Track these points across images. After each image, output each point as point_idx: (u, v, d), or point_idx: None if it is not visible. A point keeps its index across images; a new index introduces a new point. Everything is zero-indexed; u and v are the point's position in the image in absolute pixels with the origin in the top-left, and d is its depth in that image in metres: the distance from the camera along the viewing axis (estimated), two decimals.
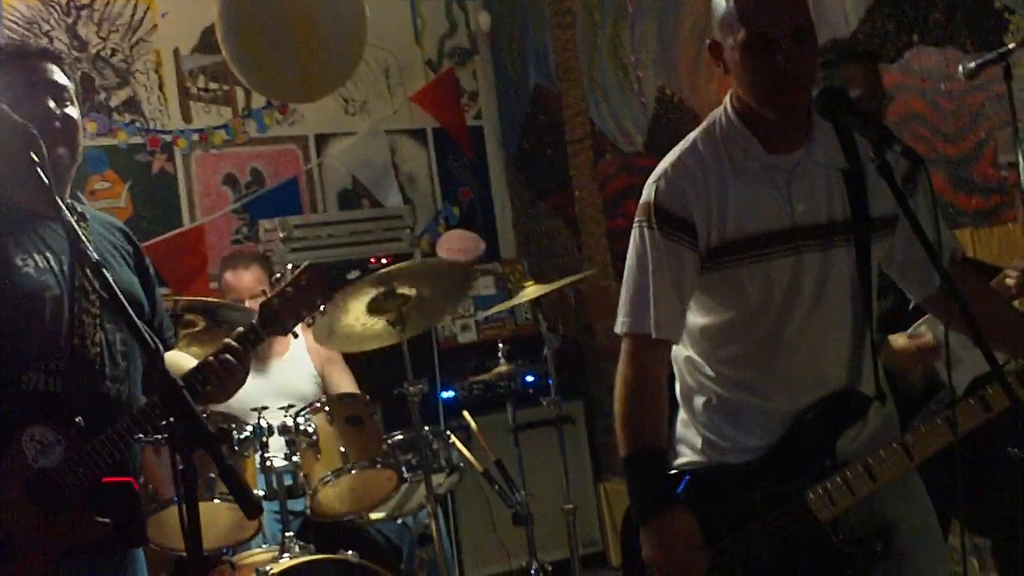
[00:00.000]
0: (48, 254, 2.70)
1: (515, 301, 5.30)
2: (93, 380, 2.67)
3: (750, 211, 2.58)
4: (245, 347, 2.77)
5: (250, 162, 6.87)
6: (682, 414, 2.78)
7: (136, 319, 2.18)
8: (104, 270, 2.26)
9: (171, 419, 1.97)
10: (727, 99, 2.67)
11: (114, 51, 6.58)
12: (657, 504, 2.61)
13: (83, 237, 2.39)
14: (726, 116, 2.65)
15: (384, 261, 6.35)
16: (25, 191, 2.68)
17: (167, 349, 2.99)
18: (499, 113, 7.61)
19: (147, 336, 2.19)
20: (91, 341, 2.67)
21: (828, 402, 2.64)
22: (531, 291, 5.06)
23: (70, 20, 6.47)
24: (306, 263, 2.96)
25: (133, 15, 6.63)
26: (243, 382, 2.80)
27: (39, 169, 2.38)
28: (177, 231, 6.58)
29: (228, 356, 2.73)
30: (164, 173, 6.65)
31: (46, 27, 6.39)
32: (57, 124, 2.69)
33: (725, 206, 2.58)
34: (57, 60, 2.81)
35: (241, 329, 2.82)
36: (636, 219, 2.68)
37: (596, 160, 6.56)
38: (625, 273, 2.71)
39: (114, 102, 6.56)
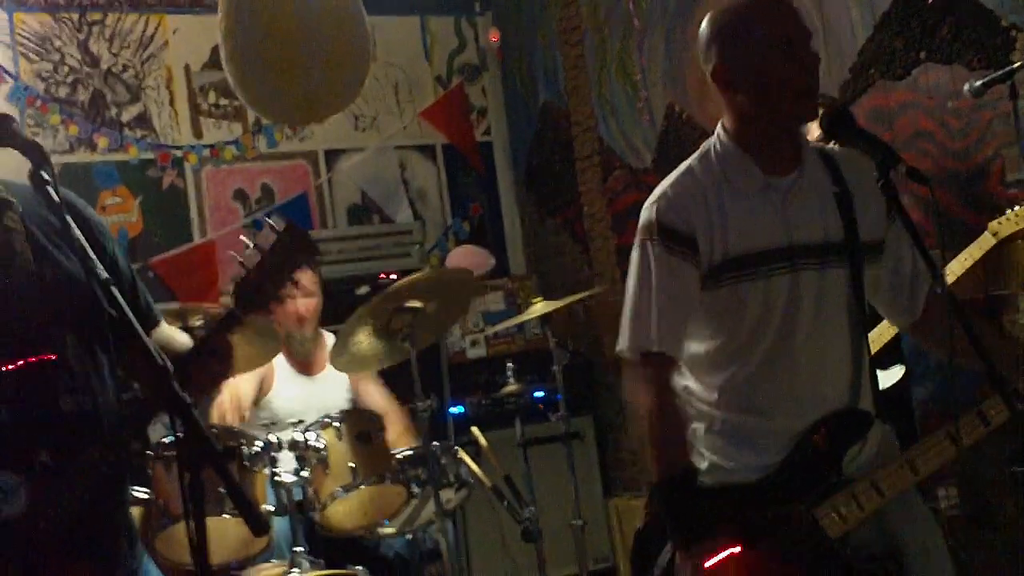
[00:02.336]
0: None
1: (524, 317, 5.31)
2: (47, 398, 2.30)
3: (749, 228, 2.62)
4: (224, 338, 2.42)
5: (260, 177, 6.91)
6: None
7: (148, 342, 2.04)
8: (112, 288, 2.08)
9: (176, 438, 1.93)
10: (719, 128, 2.72)
11: (126, 67, 6.62)
12: (700, 527, 2.56)
13: (90, 254, 2.14)
14: (720, 142, 2.70)
15: (393, 277, 6.37)
16: None
17: (155, 326, 2.64)
18: (508, 129, 7.63)
19: (154, 353, 2.02)
20: (36, 352, 2.31)
21: (832, 420, 2.65)
22: (540, 307, 5.07)
23: (82, 36, 6.51)
24: (284, 221, 2.48)
25: (144, 31, 6.67)
26: (227, 375, 2.48)
27: None
28: (188, 246, 6.62)
29: (208, 359, 2.40)
30: (175, 188, 6.68)
31: (58, 43, 6.44)
32: None
33: (725, 223, 2.62)
34: None
35: (217, 314, 2.45)
36: (638, 239, 2.69)
37: (605, 176, 6.57)
38: (628, 292, 2.71)
39: (125, 117, 6.59)
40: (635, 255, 2.70)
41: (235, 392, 4.68)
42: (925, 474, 2.61)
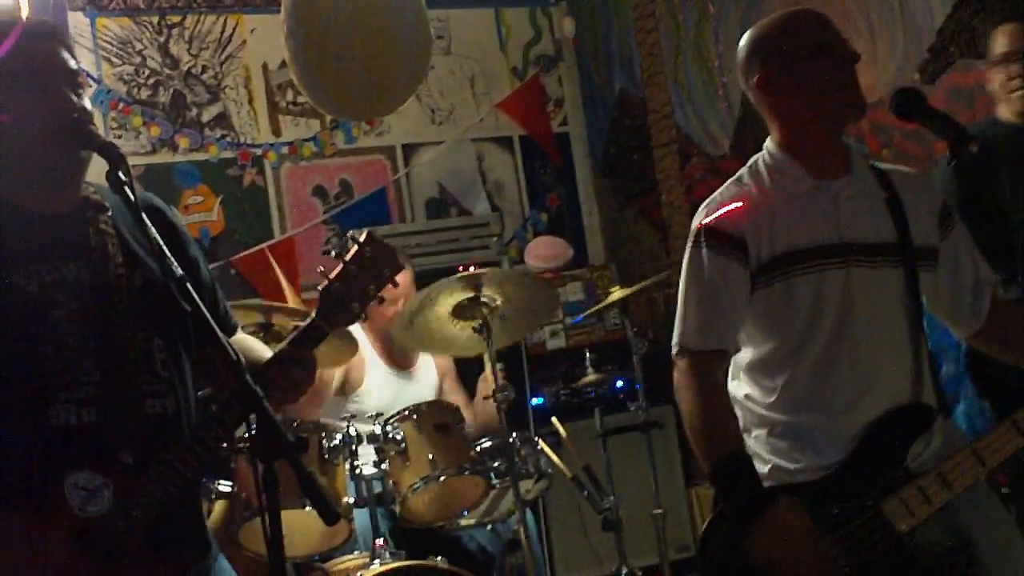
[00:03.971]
0: (59, 264, 2.37)
1: (602, 304, 5.30)
2: (132, 401, 2.36)
3: (799, 227, 2.67)
4: (308, 349, 2.44)
5: (338, 173, 6.96)
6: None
7: (221, 336, 2.11)
8: (188, 285, 2.15)
9: (249, 431, 1.96)
10: (767, 143, 2.81)
11: (205, 68, 6.71)
12: (763, 499, 2.58)
13: (166, 251, 2.21)
14: (768, 154, 2.79)
15: (472, 269, 6.38)
16: (36, 191, 2.42)
17: (232, 334, 2.69)
18: (585, 119, 7.61)
19: (229, 349, 2.09)
20: (124, 356, 2.36)
21: (895, 414, 2.64)
22: (617, 294, 5.07)
23: (162, 39, 6.62)
24: (367, 231, 2.54)
25: (223, 32, 6.76)
26: (311, 384, 2.48)
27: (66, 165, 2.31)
28: (268, 243, 6.68)
29: (289, 366, 2.41)
30: (255, 186, 6.75)
31: (139, 46, 6.54)
32: (76, 116, 2.37)
33: (774, 224, 2.68)
34: (65, 41, 2.46)
35: (300, 327, 2.47)
36: (689, 242, 2.78)
37: (683, 164, 6.53)
38: (680, 294, 2.80)
39: (205, 118, 6.69)
40: (687, 256, 2.79)
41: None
42: (992, 465, 2.59)
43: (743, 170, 2.82)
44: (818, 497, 2.61)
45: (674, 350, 2.78)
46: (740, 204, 2.71)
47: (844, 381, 2.65)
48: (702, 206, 2.79)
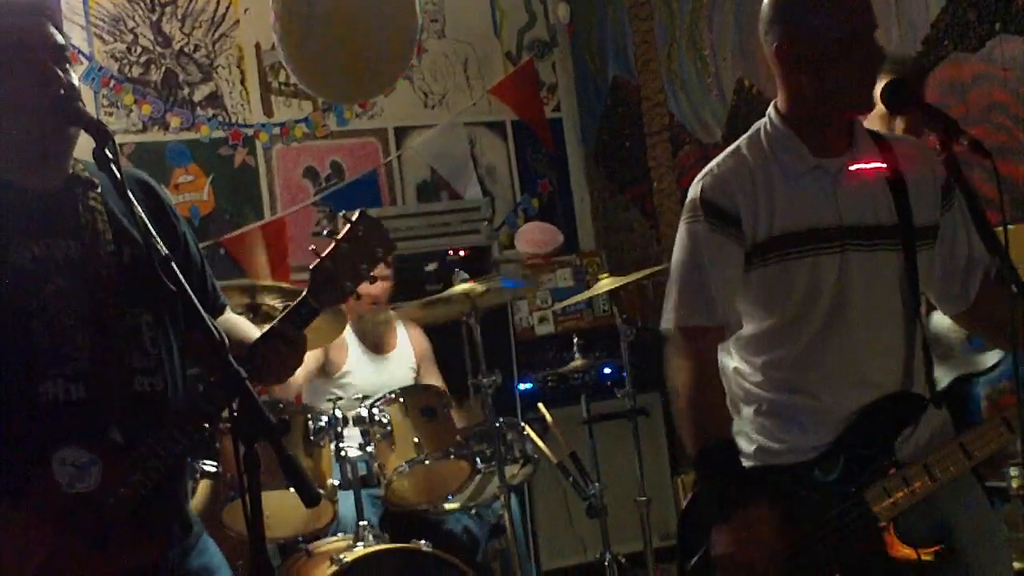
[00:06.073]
0: (49, 240, 2.36)
1: (590, 293, 5.30)
2: (121, 378, 2.34)
3: (797, 208, 2.60)
4: (298, 327, 2.44)
5: (330, 155, 6.95)
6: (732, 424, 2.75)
7: (204, 315, 2.08)
8: (173, 264, 2.12)
9: (232, 412, 1.95)
10: (770, 110, 2.71)
11: (197, 47, 6.69)
12: (739, 498, 2.54)
13: (151, 229, 2.18)
14: (771, 124, 2.68)
15: (462, 253, 6.38)
16: (24, 167, 2.40)
17: (220, 312, 2.69)
18: (578, 105, 7.60)
19: (213, 329, 2.06)
20: (113, 333, 2.34)
21: (884, 402, 2.61)
22: (606, 283, 5.07)
23: (155, 17, 6.59)
24: (359, 210, 2.53)
25: (216, 11, 6.74)
26: (299, 363, 2.47)
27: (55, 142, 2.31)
28: (259, 223, 6.68)
29: (278, 343, 2.41)
30: (246, 166, 6.74)
31: (131, 24, 6.52)
32: (62, 93, 2.33)
33: (772, 202, 2.60)
34: (52, 16, 2.42)
35: (289, 306, 2.46)
36: (683, 216, 2.69)
37: (675, 152, 6.53)
38: (672, 270, 2.71)
39: (197, 97, 6.67)
40: (681, 231, 2.69)
41: None
42: (979, 459, 2.57)
43: (742, 140, 2.71)
44: (800, 480, 2.60)
45: (668, 325, 2.69)
46: (737, 179, 2.63)
47: (834, 365, 2.61)
48: (698, 177, 2.69)
